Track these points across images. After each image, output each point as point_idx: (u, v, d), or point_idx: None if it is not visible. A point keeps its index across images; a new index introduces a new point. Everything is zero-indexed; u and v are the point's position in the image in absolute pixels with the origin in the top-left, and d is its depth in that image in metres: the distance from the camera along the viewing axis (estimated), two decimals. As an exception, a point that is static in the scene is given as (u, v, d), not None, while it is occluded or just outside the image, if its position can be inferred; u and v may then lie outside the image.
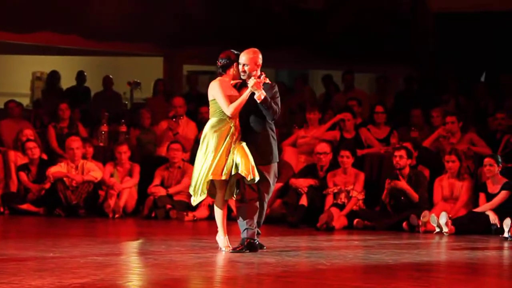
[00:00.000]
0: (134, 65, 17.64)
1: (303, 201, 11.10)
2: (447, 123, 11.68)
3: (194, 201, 8.20)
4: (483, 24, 15.22)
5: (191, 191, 8.19)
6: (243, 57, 8.14)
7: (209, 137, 8.07)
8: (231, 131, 8.05)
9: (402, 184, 10.78)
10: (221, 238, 8.19)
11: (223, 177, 7.98)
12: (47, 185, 11.77)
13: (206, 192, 8.05)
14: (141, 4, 15.38)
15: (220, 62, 8.17)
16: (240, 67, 8.14)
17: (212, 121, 8.13)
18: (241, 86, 8.22)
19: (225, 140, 8.03)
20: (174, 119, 12.60)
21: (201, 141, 8.15)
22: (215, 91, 8.09)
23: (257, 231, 8.24)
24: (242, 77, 8.18)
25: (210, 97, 8.16)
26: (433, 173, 11.28)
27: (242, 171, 7.92)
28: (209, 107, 8.19)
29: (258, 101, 8.04)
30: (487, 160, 10.65)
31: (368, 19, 16.09)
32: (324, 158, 11.31)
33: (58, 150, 12.47)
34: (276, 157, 8.26)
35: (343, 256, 8.31)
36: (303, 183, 11.23)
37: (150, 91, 15.36)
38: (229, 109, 8.01)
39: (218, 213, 8.17)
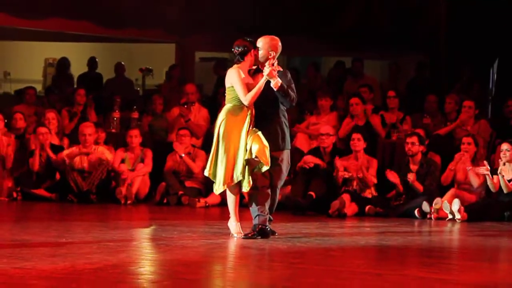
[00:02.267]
0: (146, 52, 17.64)
1: (312, 190, 11.02)
2: (464, 107, 11.62)
3: (217, 190, 8.19)
4: (496, 10, 15.12)
5: (207, 174, 8.17)
6: (261, 42, 8.14)
7: (226, 124, 8.02)
8: (248, 118, 8.04)
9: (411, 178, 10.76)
10: (233, 224, 8.20)
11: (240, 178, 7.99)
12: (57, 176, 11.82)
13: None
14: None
15: (237, 50, 8.13)
16: (262, 52, 8.12)
17: (229, 107, 8.09)
18: (254, 72, 8.21)
19: (242, 127, 8.00)
20: (186, 106, 12.60)
21: (218, 127, 8.07)
22: (233, 78, 8.05)
23: (269, 217, 8.25)
24: (260, 60, 8.16)
25: (227, 84, 8.12)
26: (444, 160, 11.25)
27: (261, 157, 7.90)
28: (226, 94, 8.18)
29: (275, 89, 8.03)
30: (505, 145, 10.56)
31: (379, 5, 16.02)
32: (327, 140, 11.31)
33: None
34: (288, 143, 8.25)
35: (355, 242, 8.31)
36: (310, 159, 11.19)
37: (162, 78, 15.34)
38: (246, 98, 7.99)
39: (231, 199, 8.17)
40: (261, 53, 8.13)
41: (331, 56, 17.14)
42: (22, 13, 14.51)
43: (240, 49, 8.11)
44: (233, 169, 8.01)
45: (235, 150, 8.00)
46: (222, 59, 15.75)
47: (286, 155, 8.23)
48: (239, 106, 8.05)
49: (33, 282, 5.85)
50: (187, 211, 11.11)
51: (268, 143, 8.01)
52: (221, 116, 8.12)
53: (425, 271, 6.73)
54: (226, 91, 8.15)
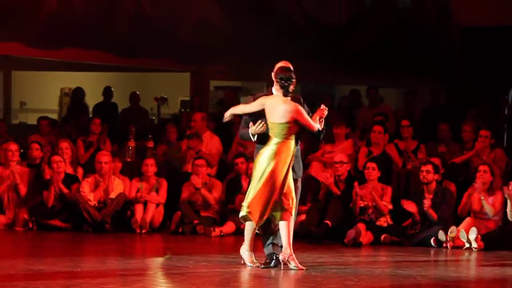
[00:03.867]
0: (161, 81, 17.72)
1: (328, 218, 10.98)
2: (480, 137, 11.55)
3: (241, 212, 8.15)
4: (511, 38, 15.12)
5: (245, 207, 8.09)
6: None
7: (276, 161, 7.94)
8: (292, 156, 8.03)
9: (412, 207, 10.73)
10: (246, 254, 8.17)
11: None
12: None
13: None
14: (167, 20, 15.46)
15: (286, 82, 7.97)
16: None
17: (280, 142, 7.97)
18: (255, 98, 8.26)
19: (288, 167, 7.96)
20: (191, 138, 12.49)
21: (266, 160, 7.94)
22: (300, 114, 7.97)
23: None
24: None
25: (285, 119, 7.93)
26: (460, 188, 11.17)
27: (289, 208, 7.93)
28: (277, 128, 7.98)
29: (320, 129, 8.16)
30: None
31: (392, 32, 16.05)
32: (341, 168, 11.29)
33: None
34: (301, 171, 8.32)
35: (371, 271, 8.26)
36: (328, 175, 11.15)
37: (177, 107, 15.34)
38: (316, 126, 8.05)
39: (249, 228, 8.11)
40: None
41: (345, 85, 17.15)
42: (37, 44, 14.62)
43: (293, 79, 7.97)
44: (264, 206, 7.95)
45: (276, 189, 7.94)
46: (237, 88, 15.80)
47: (299, 183, 8.31)
48: (291, 144, 8.02)
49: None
50: (202, 240, 11.08)
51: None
52: (271, 150, 7.97)
53: (441, 301, 6.68)
54: (277, 126, 7.98)
